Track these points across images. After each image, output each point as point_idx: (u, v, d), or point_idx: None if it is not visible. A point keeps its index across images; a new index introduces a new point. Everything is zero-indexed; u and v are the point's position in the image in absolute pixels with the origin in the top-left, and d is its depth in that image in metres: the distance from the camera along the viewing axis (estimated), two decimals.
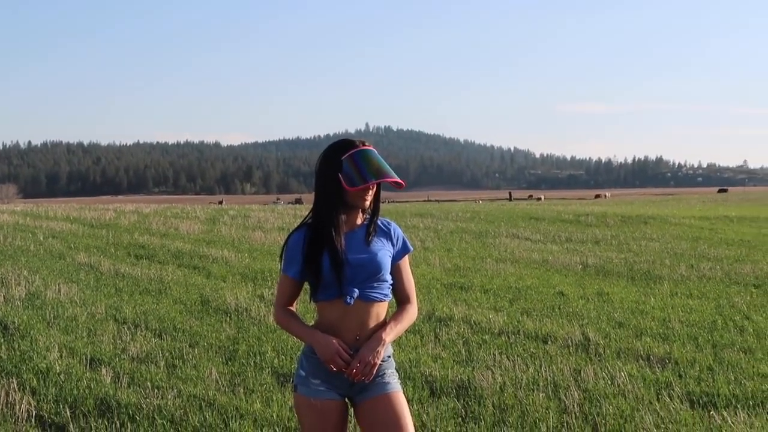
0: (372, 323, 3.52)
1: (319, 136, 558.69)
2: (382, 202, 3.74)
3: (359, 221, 3.60)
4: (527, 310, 10.55)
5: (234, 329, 9.19)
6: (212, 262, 15.26)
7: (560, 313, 10.36)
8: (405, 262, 3.69)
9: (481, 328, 9.29)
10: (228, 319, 9.83)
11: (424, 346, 8.33)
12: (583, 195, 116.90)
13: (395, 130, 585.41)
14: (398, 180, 3.50)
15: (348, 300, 3.44)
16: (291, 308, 3.64)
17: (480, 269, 14.75)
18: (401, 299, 3.67)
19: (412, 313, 3.65)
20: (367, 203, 3.55)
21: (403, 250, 3.68)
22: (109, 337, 8.68)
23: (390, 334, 3.52)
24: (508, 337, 8.79)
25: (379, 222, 3.64)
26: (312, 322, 3.60)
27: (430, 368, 7.31)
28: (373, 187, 3.54)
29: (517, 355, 7.94)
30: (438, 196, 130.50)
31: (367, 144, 3.54)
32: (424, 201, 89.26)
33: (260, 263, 15.16)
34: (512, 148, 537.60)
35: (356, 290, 3.46)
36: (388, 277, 3.58)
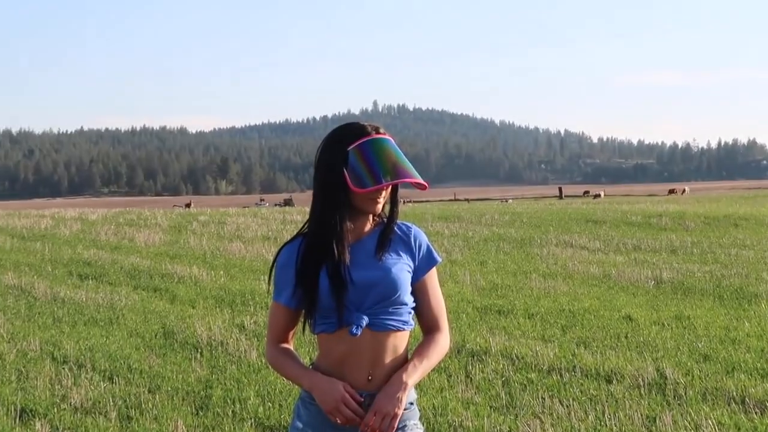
0: (388, 360, 3.48)
1: (314, 118, 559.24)
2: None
3: (368, 228, 3.56)
4: (585, 340, 10.50)
5: (206, 369, 9.16)
6: (178, 283, 15.26)
7: (628, 343, 10.30)
8: (431, 278, 3.63)
9: (526, 364, 9.24)
10: (198, 356, 9.81)
11: (453, 389, 8.29)
12: (655, 190, 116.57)
13: (411, 109, 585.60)
14: (420, 181, 3.45)
15: (354, 330, 3.39)
16: (286, 345, 3.61)
17: (523, 288, 14.71)
18: (428, 326, 3.61)
19: (442, 345, 3.59)
20: (379, 207, 3.51)
21: (428, 262, 3.62)
22: (44, 382, 8.67)
23: (413, 375, 3.46)
24: (561, 376, 8.74)
25: (396, 227, 3.59)
26: (310, 361, 3.57)
27: (460, 417, 7.26)
28: (387, 189, 3.50)
29: (573, 399, 7.89)
30: (468, 194, 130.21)
31: (381, 131, 3.49)
32: (450, 200, 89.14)
33: (240, 283, 15.15)
34: (562, 131, 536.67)
35: (365, 318, 3.41)
36: (408, 299, 3.53)
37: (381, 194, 3.47)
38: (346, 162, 3.40)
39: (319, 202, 3.49)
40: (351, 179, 3.38)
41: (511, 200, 73.61)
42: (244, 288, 14.54)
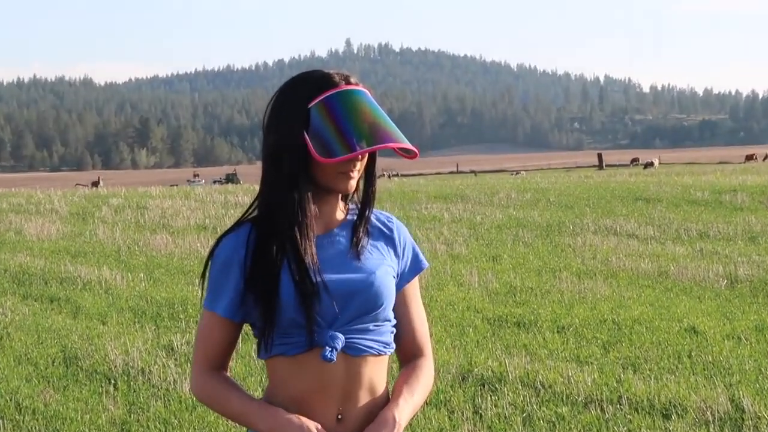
0: (363, 393, 3.48)
1: (265, 64, 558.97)
2: (379, 176, 3.60)
3: (339, 216, 3.55)
4: (634, 361, 10.53)
5: (122, 407, 9.15)
6: (82, 290, 15.23)
7: (692, 365, 10.33)
8: (414, 289, 3.64)
9: (555, 394, 9.26)
10: (112, 389, 9.79)
11: (456, 429, 8.31)
12: (728, 156, 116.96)
13: (397, 50, 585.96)
14: (409, 146, 3.41)
15: (328, 354, 3.35)
16: (223, 372, 3.57)
17: (550, 291, 14.72)
18: (410, 351, 3.63)
19: (429, 376, 3.61)
20: (353, 184, 3.48)
21: (414, 268, 3.62)
22: None
23: (405, 412, 3.47)
24: (603, 410, 8.77)
25: (374, 217, 3.59)
26: (261, 392, 3.57)
27: None
28: (363, 158, 3.47)
29: None
30: (475, 164, 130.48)
31: (353, 81, 3.47)
32: (451, 173, 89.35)
33: (167, 289, 15.13)
34: (602, 78, 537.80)
35: (340, 336, 3.40)
36: (391, 315, 3.52)
37: (355, 166, 3.42)
38: (307, 123, 3.36)
39: (271, 178, 3.44)
40: (314, 146, 3.31)
41: (523, 173, 73.14)
42: (173, 296, 14.50)
